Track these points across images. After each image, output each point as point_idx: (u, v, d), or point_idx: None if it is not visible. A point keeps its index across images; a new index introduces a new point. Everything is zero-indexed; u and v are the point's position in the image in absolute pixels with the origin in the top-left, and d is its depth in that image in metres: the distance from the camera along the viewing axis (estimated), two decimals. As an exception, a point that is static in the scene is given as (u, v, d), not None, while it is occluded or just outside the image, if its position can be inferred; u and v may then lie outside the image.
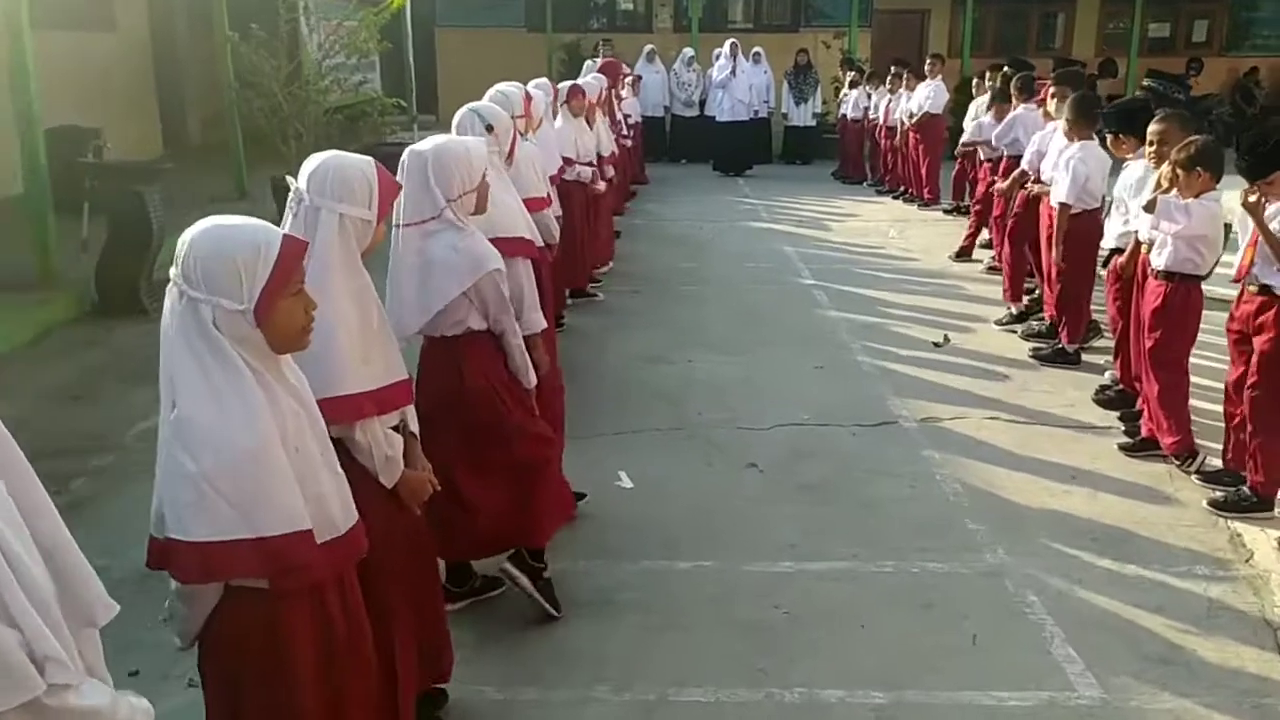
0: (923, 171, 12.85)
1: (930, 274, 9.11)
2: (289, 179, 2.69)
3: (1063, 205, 6.02)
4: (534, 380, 3.63)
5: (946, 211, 12.28)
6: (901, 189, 13.60)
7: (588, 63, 10.90)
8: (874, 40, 20.29)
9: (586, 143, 7.71)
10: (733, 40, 15.79)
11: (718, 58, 16.26)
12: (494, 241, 3.94)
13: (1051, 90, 6.50)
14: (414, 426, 2.91)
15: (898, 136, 13.37)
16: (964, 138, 9.96)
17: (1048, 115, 6.70)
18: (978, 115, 9.97)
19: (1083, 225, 6.10)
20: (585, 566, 4.06)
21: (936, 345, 6.91)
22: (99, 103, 11.51)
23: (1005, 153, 8.75)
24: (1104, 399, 5.73)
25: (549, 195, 6.08)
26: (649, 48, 17.31)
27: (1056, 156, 6.25)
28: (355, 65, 11.48)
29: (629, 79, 14.46)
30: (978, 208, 9.41)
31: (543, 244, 4.80)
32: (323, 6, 11.91)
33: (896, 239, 10.83)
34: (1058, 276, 6.26)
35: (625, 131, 12.91)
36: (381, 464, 2.73)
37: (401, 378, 2.79)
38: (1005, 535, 4.29)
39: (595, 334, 7.29)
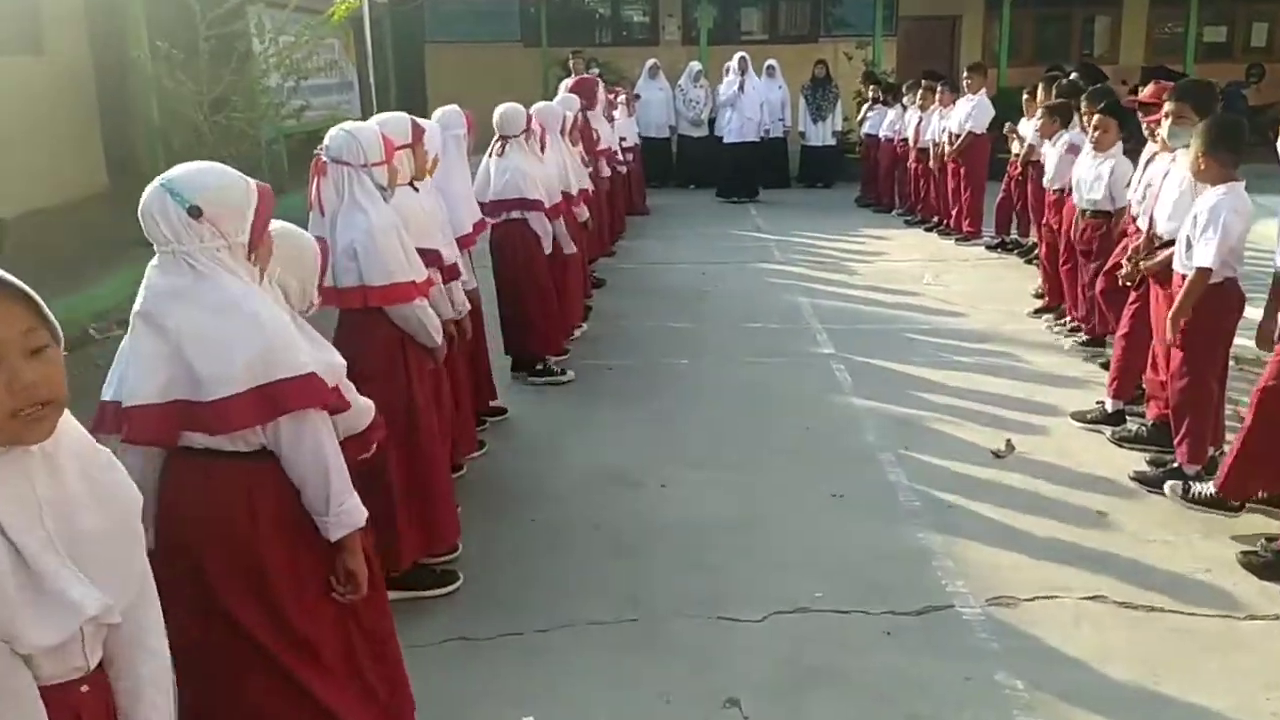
0: (963, 200, 11.06)
1: (978, 337, 7.32)
2: None
3: (1203, 271, 4.23)
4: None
5: (989, 248, 10.49)
6: (935, 219, 11.82)
7: (564, 82, 9.23)
8: (900, 50, 18.57)
9: (519, 179, 5.96)
10: (741, 54, 14.07)
11: (728, 72, 14.57)
12: (248, 396, 2.26)
13: (1167, 108, 4.69)
14: None
15: (931, 160, 11.60)
16: (1047, 177, 7.71)
17: (1164, 145, 4.86)
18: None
19: (1219, 298, 4.33)
20: None
21: (997, 455, 5.12)
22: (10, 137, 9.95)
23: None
24: (1257, 563, 3.93)
25: (455, 266, 4.42)
26: (651, 62, 15.64)
27: (1178, 200, 4.51)
28: (294, 88, 9.86)
29: (622, 98, 12.85)
30: (1051, 254, 7.54)
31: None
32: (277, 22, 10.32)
33: (933, 285, 9.05)
34: (1182, 367, 4.46)
35: (621, 157, 11.21)
36: None
37: None
38: None
39: (545, 437, 5.55)
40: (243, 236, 2.25)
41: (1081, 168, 6.45)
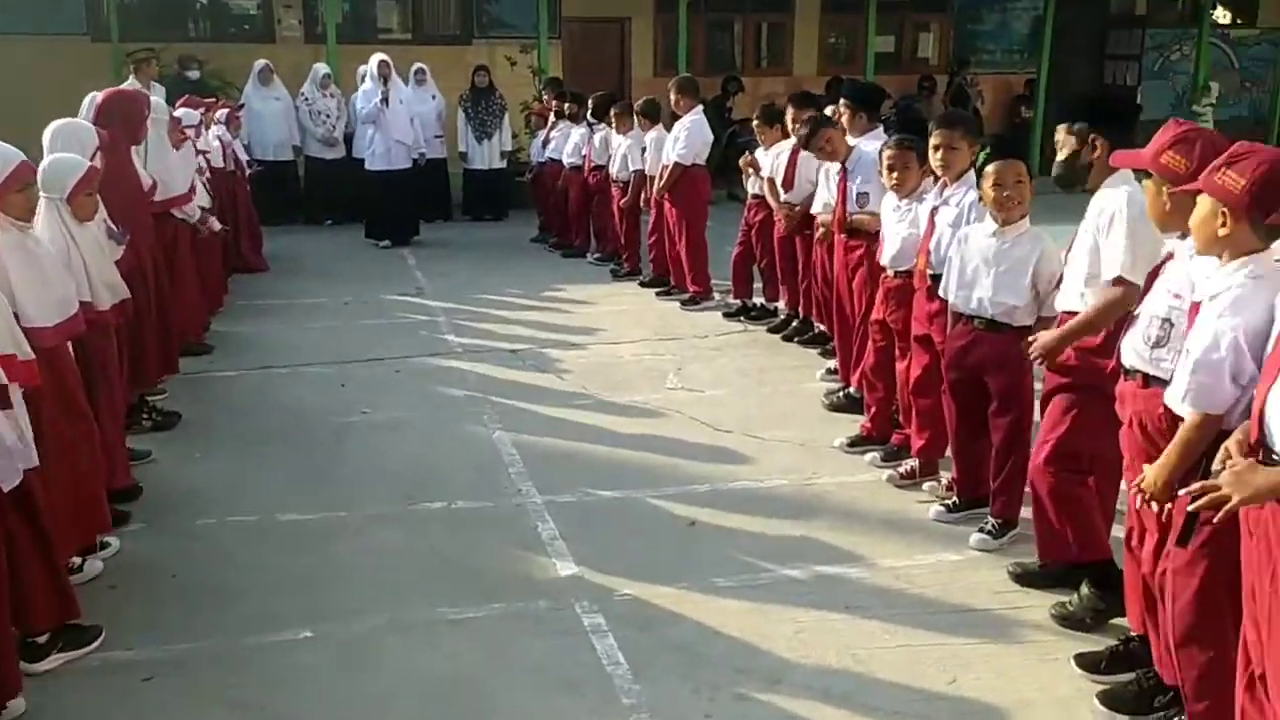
0: (681, 251, 8.51)
1: (796, 509, 4.62)
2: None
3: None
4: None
5: (727, 316, 8.02)
6: (654, 275, 9.24)
7: (88, 98, 5.64)
8: (566, 52, 16.10)
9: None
10: (382, 58, 10.78)
11: (364, 79, 11.27)
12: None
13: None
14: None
15: (642, 198, 8.99)
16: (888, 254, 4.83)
17: None
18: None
19: None
20: None
21: None
22: None
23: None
24: None
25: None
26: (261, 63, 12.02)
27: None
28: None
29: (223, 113, 9.34)
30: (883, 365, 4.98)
31: None
32: None
33: (680, 389, 6.38)
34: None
35: (209, 204, 7.57)
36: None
37: None
38: None
39: None
40: None
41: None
